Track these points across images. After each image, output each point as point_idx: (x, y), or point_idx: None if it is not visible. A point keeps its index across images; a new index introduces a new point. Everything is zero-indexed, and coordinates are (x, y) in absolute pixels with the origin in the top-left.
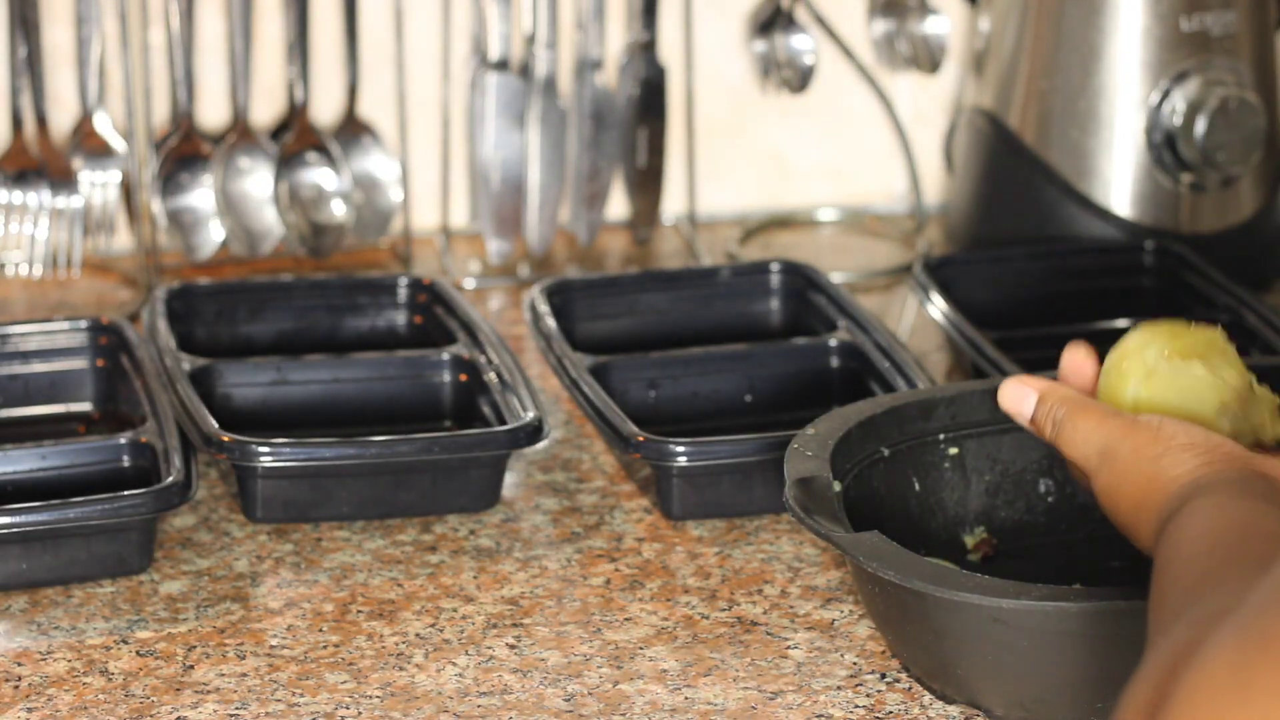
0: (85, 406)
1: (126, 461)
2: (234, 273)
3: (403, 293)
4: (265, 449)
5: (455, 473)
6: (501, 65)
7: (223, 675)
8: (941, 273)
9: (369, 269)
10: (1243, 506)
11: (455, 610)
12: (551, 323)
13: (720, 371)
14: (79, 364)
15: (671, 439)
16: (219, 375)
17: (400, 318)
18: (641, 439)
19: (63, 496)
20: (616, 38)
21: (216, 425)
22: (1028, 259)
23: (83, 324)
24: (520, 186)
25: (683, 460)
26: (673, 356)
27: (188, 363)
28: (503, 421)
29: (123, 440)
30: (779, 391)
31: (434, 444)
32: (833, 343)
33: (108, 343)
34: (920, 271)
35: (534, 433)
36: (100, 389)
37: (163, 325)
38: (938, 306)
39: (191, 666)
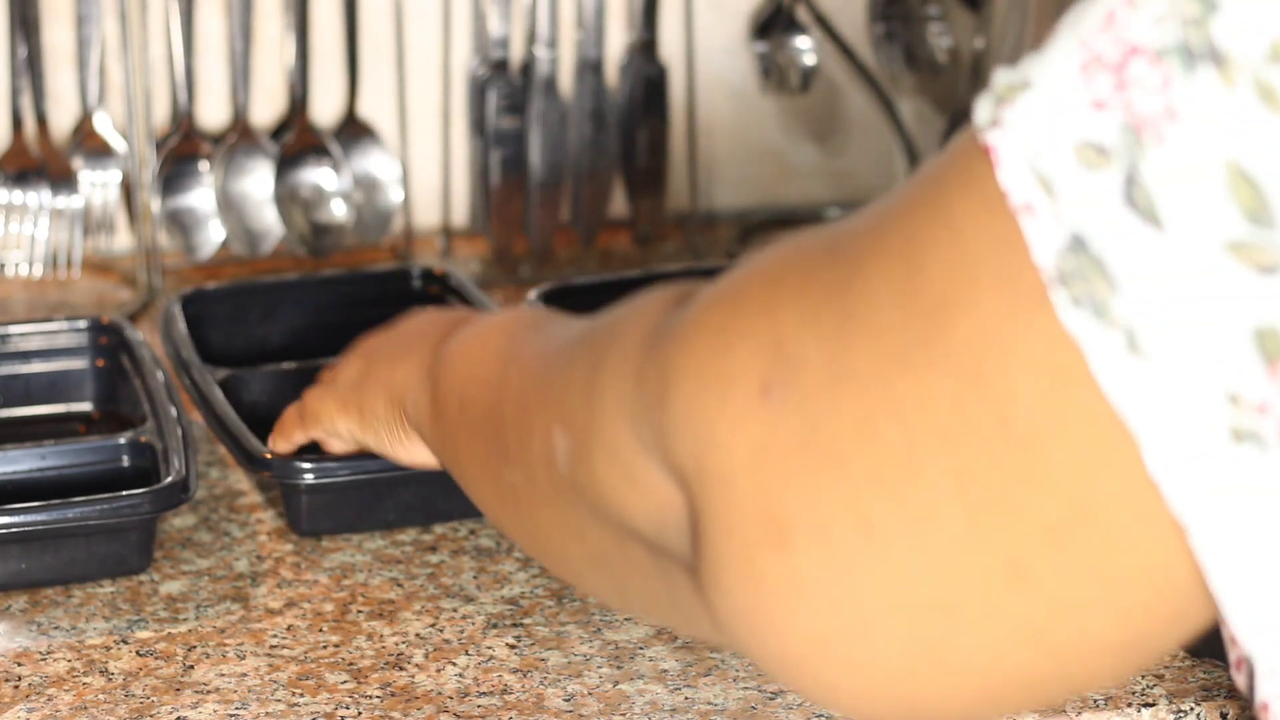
0: (85, 406)
1: (126, 461)
2: (234, 273)
3: (416, 284)
4: (309, 466)
5: None
6: (501, 65)
7: (223, 675)
8: None
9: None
10: (503, 319)
11: (455, 610)
12: None
13: None
14: (79, 364)
15: None
16: (244, 385)
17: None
18: None
19: (62, 496)
20: (616, 38)
21: (260, 444)
22: None
23: (82, 324)
24: (520, 187)
25: None
26: None
27: (214, 374)
28: None
29: (122, 440)
30: None
31: None
32: None
33: (108, 342)
34: None
35: None
36: (100, 389)
37: (183, 334)
38: None
39: (191, 666)
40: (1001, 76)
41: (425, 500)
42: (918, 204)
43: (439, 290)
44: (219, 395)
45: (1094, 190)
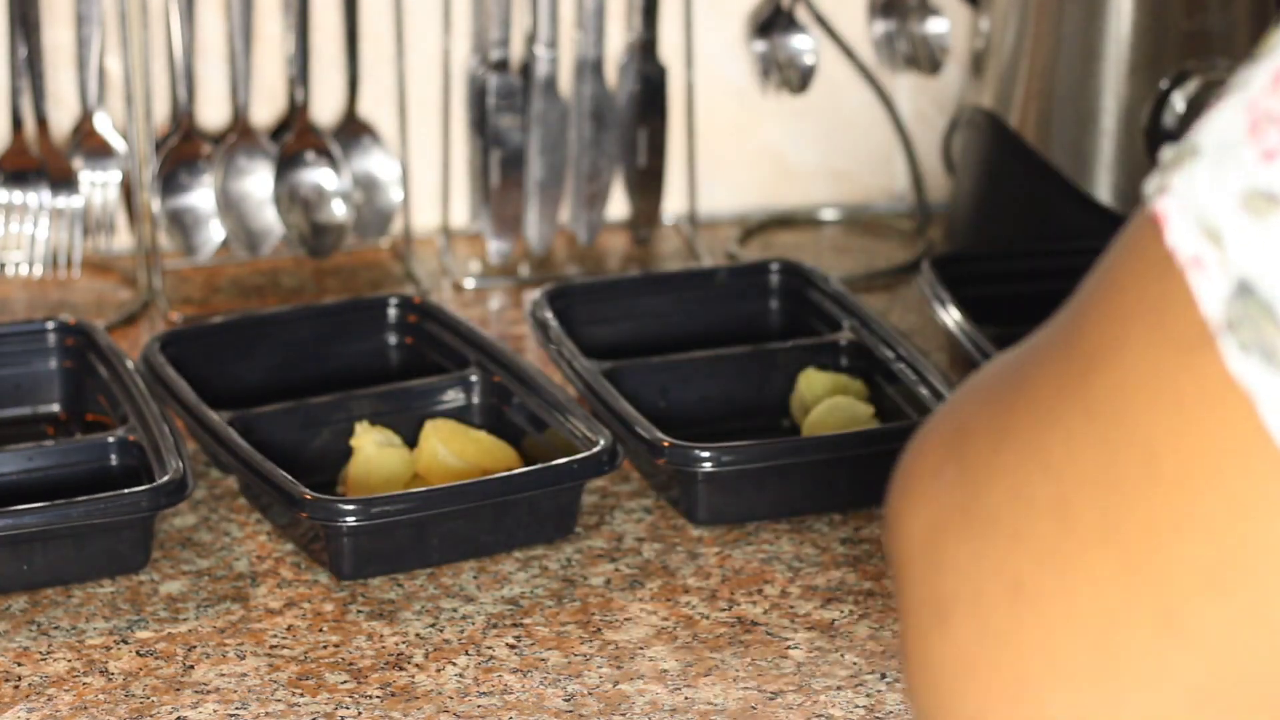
0: (52, 408)
1: (114, 460)
2: (234, 273)
3: (392, 313)
4: (354, 506)
5: (534, 504)
6: (501, 65)
7: (223, 675)
8: (948, 270)
9: (369, 269)
10: None
11: (455, 610)
12: (562, 330)
13: (730, 374)
14: (45, 365)
15: (699, 444)
16: (251, 426)
17: (392, 339)
18: (668, 444)
19: (51, 497)
20: (616, 38)
21: (302, 486)
22: (1031, 257)
23: (48, 325)
24: (520, 187)
25: (709, 465)
26: (683, 360)
27: (220, 417)
28: (564, 443)
29: (111, 439)
30: (789, 392)
31: (527, 478)
32: (842, 342)
33: (74, 343)
34: (928, 269)
35: (611, 457)
36: (67, 390)
37: (175, 376)
38: (944, 304)
39: (191, 666)
40: (1169, 149)
41: (470, 536)
42: (1089, 281)
43: (418, 319)
44: (241, 440)
45: (1262, 236)
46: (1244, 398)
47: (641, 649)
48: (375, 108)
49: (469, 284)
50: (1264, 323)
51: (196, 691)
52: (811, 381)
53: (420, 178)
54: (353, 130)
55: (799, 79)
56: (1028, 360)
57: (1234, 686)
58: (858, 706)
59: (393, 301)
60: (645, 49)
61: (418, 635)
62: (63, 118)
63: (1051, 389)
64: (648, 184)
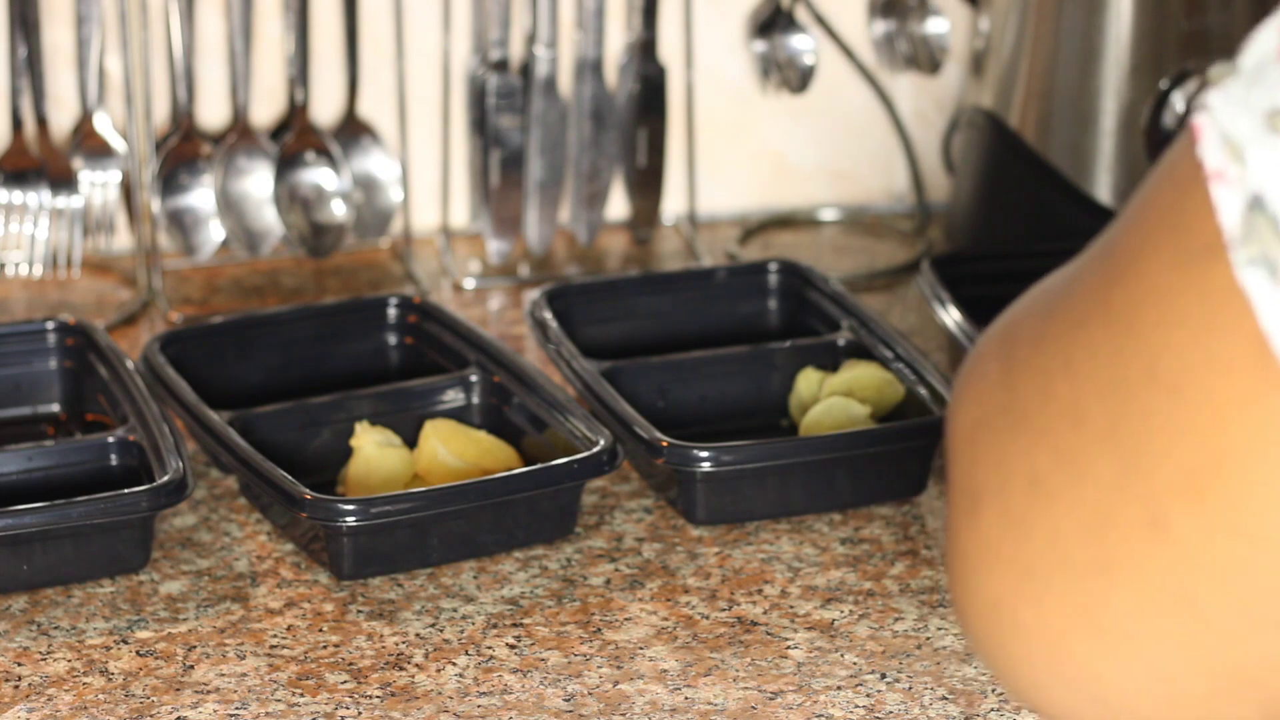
0: (52, 408)
1: (114, 460)
2: (234, 273)
3: (392, 313)
4: (354, 506)
5: (534, 504)
6: (501, 65)
7: (223, 675)
8: (948, 270)
9: (369, 269)
10: None
11: (455, 610)
12: (561, 330)
13: (729, 374)
14: (45, 365)
15: (698, 444)
16: (251, 426)
17: (392, 339)
18: (666, 444)
19: (51, 497)
20: (616, 38)
21: (302, 486)
22: (1031, 258)
23: (48, 325)
24: (520, 187)
25: (708, 465)
26: (682, 360)
27: (220, 417)
28: (564, 443)
29: (110, 439)
30: (788, 392)
31: (527, 478)
32: (841, 342)
33: (74, 343)
34: (928, 269)
35: (611, 457)
36: (67, 390)
37: (174, 376)
38: (943, 304)
39: (191, 666)
40: (1218, 67)
41: (470, 536)
42: (1135, 192)
43: (418, 319)
44: (241, 441)
45: (1277, 152)
46: (1246, 308)
47: (641, 649)
48: (375, 108)
49: (469, 284)
50: (1270, 237)
51: (196, 691)
52: (810, 381)
53: (420, 178)
54: (353, 130)
55: (799, 79)
56: (1076, 268)
57: (1215, 594)
58: (858, 706)
59: (393, 301)
60: (645, 49)
61: (418, 635)
62: (63, 118)
63: (1084, 296)
64: (647, 184)
